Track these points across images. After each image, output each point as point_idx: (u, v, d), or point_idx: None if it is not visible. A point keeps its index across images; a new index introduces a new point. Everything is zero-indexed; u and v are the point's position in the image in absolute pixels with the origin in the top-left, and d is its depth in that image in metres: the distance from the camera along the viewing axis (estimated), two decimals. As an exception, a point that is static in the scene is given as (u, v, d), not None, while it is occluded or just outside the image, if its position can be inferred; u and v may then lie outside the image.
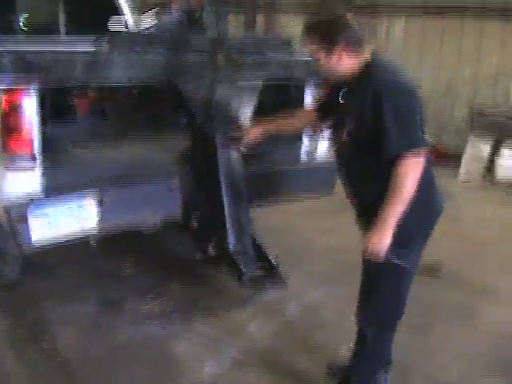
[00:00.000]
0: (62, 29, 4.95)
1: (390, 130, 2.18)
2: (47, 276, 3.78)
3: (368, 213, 2.36)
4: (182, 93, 3.05)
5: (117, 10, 5.06)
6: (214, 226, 3.29)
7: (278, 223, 4.70)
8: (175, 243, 4.27)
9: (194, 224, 3.36)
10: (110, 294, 3.63)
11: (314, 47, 2.30)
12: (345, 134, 2.38)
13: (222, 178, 3.17)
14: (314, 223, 5.01)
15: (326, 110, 2.62)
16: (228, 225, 3.17)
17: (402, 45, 8.97)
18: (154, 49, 2.98)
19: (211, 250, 3.27)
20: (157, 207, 3.12)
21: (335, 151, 2.54)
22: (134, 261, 4.05)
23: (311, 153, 3.87)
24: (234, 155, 3.21)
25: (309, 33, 2.32)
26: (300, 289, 3.80)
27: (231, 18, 9.72)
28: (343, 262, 4.02)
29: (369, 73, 2.28)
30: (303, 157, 3.87)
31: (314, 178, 3.76)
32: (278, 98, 3.66)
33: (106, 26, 3.20)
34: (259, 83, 3.30)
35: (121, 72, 2.86)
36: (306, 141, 3.81)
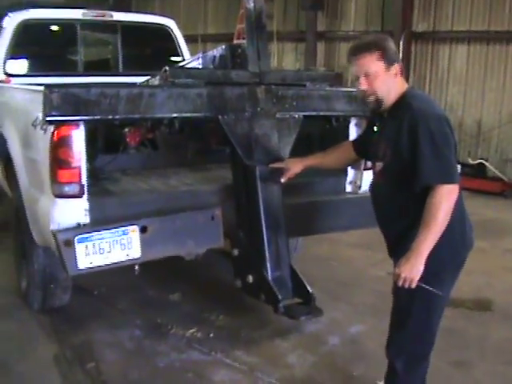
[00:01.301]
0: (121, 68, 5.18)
1: (426, 158, 2.19)
2: (94, 300, 3.94)
3: (400, 243, 2.35)
4: (223, 126, 3.15)
5: (176, 51, 5.37)
6: (253, 255, 3.33)
7: (328, 254, 4.76)
8: (218, 271, 4.36)
9: (235, 252, 3.41)
10: (154, 319, 3.74)
11: (356, 69, 2.34)
12: (379, 165, 2.42)
13: (262, 210, 3.23)
14: (365, 254, 5.00)
15: (365, 143, 2.65)
16: (267, 254, 3.23)
17: (464, 72, 8.84)
18: (196, 82, 3.14)
19: (250, 279, 3.30)
20: (199, 235, 3.18)
21: (371, 183, 2.57)
22: (177, 287, 4.15)
23: (356, 183, 3.87)
24: (274, 188, 3.26)
25: (352, 53, 2.37)
26: (345, 320, 3.82)
27: (291, 47, 10.09)
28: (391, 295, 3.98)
29: (405, 100, 2.31)
30: (348, 187, 3.89)
31: (359, 209, 3.63)
32: (320, 131, 3.74)
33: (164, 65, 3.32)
34: (300, 116, 3.37)
35: (166, 105, 2.98)
36: (350, 170, 3.82)
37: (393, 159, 2.32)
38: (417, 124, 2.21)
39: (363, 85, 2.33)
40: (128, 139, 3.64)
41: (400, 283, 2.25)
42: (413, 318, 2.42)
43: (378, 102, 2.35)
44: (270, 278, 3.24)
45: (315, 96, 3.49)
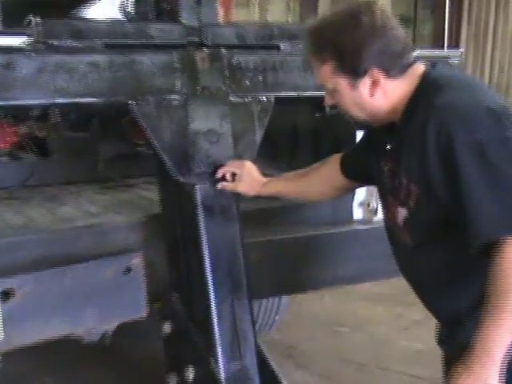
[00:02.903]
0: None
1: (477, 194, 1.87)
2: None
3: (454, 328, 2.14)
4: (138, 118, 2.81)
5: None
6: (195, 334, 2.94)
7: (333, 313, 4.58)
8: (138, 358, 4.11)
9: (166, 329, 3.03)
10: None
11: (324, 73, 2.14)
12: (402, 212, 2.16)
13: (208, 256, 2.82)
14: (390, 313, 4.78)
15: (363, 168, 2.45)
16: (216, 332, 2.81)
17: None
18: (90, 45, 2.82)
19: (190, 374, 2.89)
20: (107, 301, 2.83)
21: (387, 230, 2.36)
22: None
23: (369, 205, 3.53)
24: (229, 219, 2.93)
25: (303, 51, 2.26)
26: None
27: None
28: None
29: (424, 95, 2.02)
30: (356, 213, 3.56)
31: (376, 248, 3.30)
32: (307, 125, 3.63)
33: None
34: (271, 99, 3.04)
35: (35, 84, 2.63)
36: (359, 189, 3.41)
37: (423, 203, 2.06)
38: (450, 134, 1.87)
39: (328, 101, 2.21)
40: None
41: None
42: None
43: (363, 120, 2.21)
44: (222, 372, 2.82)
45: (296, 65, 3.11)
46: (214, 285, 2.85)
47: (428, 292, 2.26)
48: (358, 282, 3.60)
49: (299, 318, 4.34)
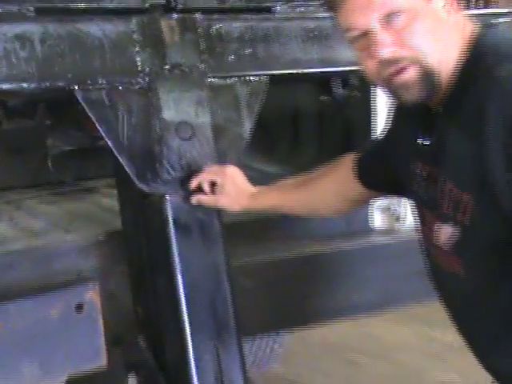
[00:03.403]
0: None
1: None
2: None
3: None
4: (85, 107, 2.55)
5: None
6: None
7: (350, 338, 4.48)
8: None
9: (130, 382, 2.87)
10: None
11: (358, 14, 1.84)
12: (447, 231, 1.99)
13: (182, 288, 2.59)
14: (418, 336, 4.77)
15: (386, 172, 2.28)
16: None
17: None
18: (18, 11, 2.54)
19: None
20: (51, 351, 2.59)
21: (423, 251, 2.19)
22: None
23: (393, 211, 3.36)
24: (209, 238, 2.69)
25: None
26: None
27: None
28: None
29: (480, 65, 1.82)
30: (377, 219, 3.37)
31: (398, 263, 3.14)
32: (311, 112, 3.53)
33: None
34: (263, 80, 2.81)
35: None
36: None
37: (481, 218, 1.87)
38: None
39: (384, 42, 1.84)
40: None
41: None
42: None
43: (424, 78, 1.89)
44: None
45: (295, 34, 2.88)
46: (191, 325, 2.59)
47: (487, 343, 2.07)
48: (378, 310, 3.39)
49: (307, 345, 4.13)
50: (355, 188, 2.39)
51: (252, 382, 3.10)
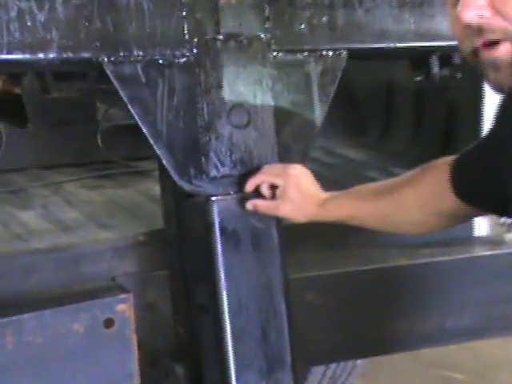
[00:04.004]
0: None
1: None
2: None
3: None
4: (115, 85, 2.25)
5: None
6: None
7: (445, 353, 4.17)
8: None
9: None
10: None
11: None
12: None
13: (226, 307, 2.30)
14: None
15: (492, 185, 1.96)
16: None
17: None
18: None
19: None
20: (74, 373, 2.34)
21: None
22: None
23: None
24: (263, 251, 2.38)
25: None
26: None
27: None
28: None
29: None
30: (479, 227, 3.02)
31: (506, 281, 2.81)
32: (404, 96, 3.29)
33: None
34: (342, 54, 2.49)
35: None
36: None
37: None
38: None
39: (472, 2, 1.56)
40: None
41: None
42: None
43: None
44: None
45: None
46: (236, 359, 2.26)
47: None
48: (479, 338, 3.04)
49: (394, 359, 3.77)
50: (448, 201, 2.03)
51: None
